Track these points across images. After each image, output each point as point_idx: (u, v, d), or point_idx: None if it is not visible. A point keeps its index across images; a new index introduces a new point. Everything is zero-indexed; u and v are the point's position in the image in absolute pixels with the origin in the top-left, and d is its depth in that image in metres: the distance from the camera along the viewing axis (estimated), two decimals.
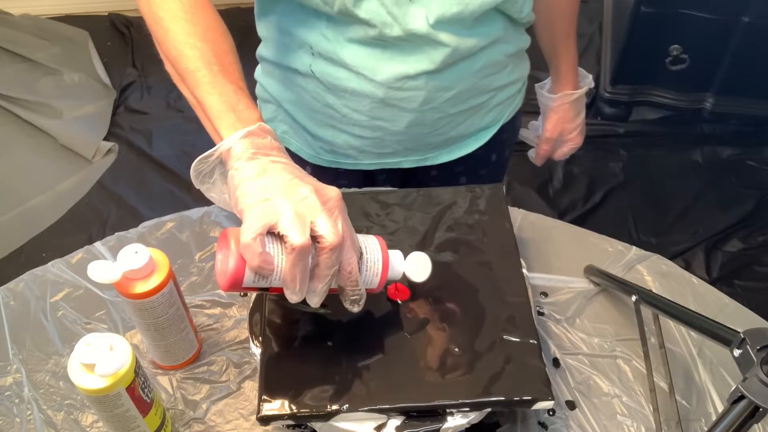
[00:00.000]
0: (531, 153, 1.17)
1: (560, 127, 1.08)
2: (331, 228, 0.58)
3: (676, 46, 2.00)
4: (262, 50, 0.95)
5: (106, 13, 2.64)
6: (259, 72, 0.99)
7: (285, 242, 0.57)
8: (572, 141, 1.10)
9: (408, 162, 0.98)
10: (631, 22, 2.00)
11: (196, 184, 0.65)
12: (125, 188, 2.09)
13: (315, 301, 0.61)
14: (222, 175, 0.64)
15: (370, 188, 1.02)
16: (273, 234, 0.58)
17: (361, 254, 0.64)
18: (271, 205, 0.57)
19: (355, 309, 0.64)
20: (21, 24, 2.51)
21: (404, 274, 0.68)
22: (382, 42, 0.80)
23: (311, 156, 1.00)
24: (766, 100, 2.09)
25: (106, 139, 2.22)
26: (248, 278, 0.59)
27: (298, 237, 0.56)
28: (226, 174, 0.62)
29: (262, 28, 0.92)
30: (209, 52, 0.66)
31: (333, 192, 0.60)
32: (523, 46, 0.95)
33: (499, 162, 1.07)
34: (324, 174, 1.01)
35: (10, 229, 1.97)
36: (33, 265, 0.89)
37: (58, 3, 2.62)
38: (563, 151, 1.13)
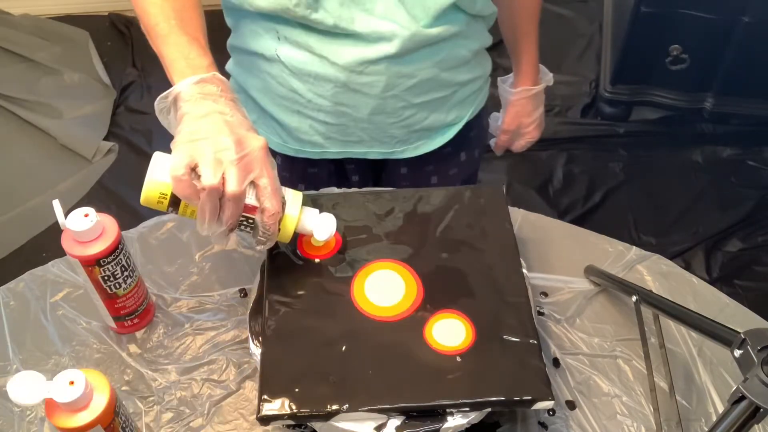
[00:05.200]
0: (492, 142, 1.20)
1: (518, 120, 1.13)
2: (234, 180, 0.65)
3: (676, 46, 1.99)
4: (231, 39, 0.96)
5: (106, 13, 2.64)
6: (230, 64, 1.00)
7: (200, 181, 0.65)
8: (529, 134, 1.15)
9: (374, 153, 0.99)
10: (631, 22, 1.99)
11: (161, 120, 0.73)
12: (125, 188, 2.09)
13: (219, 241, 0.71)
14: (175, 113, 0.72)
15: (369, 188, 1.02)
16: (195, 172, 0.66)
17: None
18: (195, 147, 0.65)
19: (260, 247, 0.72)
20: (21, 24, 2.50)
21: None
22: (344, 29, 0.83)
23: (280, 146, 1.01)
24: (766, 100, 2.08)
25: (106, 139, 2.22)
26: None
27: (209, 178, 0.64)
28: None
29: (230, 18, 0.94)
30: (169, 9, 0.74)
31: (255, 143, 0.67)
32: (485, 44, 0.98)
33: (470, 161, 1.10)
34: (293, 164, 1.03)
35: (10, 229, 1.97)
36: (33, 265, 0.89)
37: (58, 3, 2.61)
38: (520, 144, 1.17)
